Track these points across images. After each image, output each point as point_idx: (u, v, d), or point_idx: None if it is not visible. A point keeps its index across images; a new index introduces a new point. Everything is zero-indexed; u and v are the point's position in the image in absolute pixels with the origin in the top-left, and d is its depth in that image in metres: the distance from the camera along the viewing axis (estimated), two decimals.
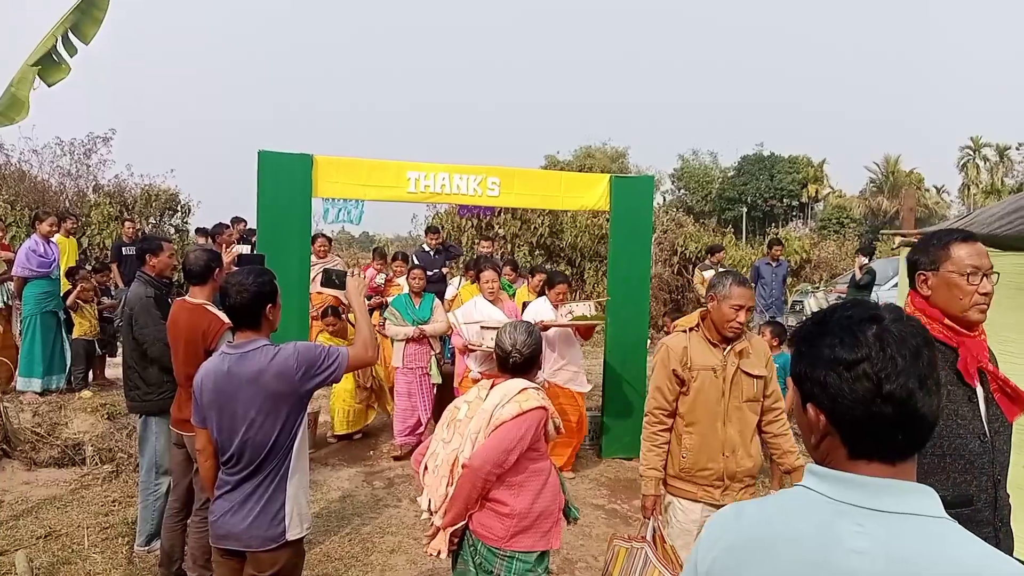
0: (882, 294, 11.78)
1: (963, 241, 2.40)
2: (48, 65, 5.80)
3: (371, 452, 6.97)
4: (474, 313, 6.09)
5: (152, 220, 16.85)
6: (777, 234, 20.72)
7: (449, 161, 6.72)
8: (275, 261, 5.33)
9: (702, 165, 51.53)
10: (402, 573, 4.53)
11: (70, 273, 8.54)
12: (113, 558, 4.59)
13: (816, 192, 49.82)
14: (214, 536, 2.89)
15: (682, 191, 51.04)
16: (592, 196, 7.01)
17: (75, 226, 10.21)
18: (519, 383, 2.97)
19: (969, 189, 50.41)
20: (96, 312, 8.46)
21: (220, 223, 10.12)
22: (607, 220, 7.26)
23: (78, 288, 8.18)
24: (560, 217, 16.43)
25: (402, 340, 6.82)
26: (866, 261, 11.38)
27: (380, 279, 8.85)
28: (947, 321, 2.36)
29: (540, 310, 6.11)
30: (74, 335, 8.20)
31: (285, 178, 6.18)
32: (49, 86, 5.85)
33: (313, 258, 8.25)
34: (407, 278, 7.32)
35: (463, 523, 2.90)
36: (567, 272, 14.98)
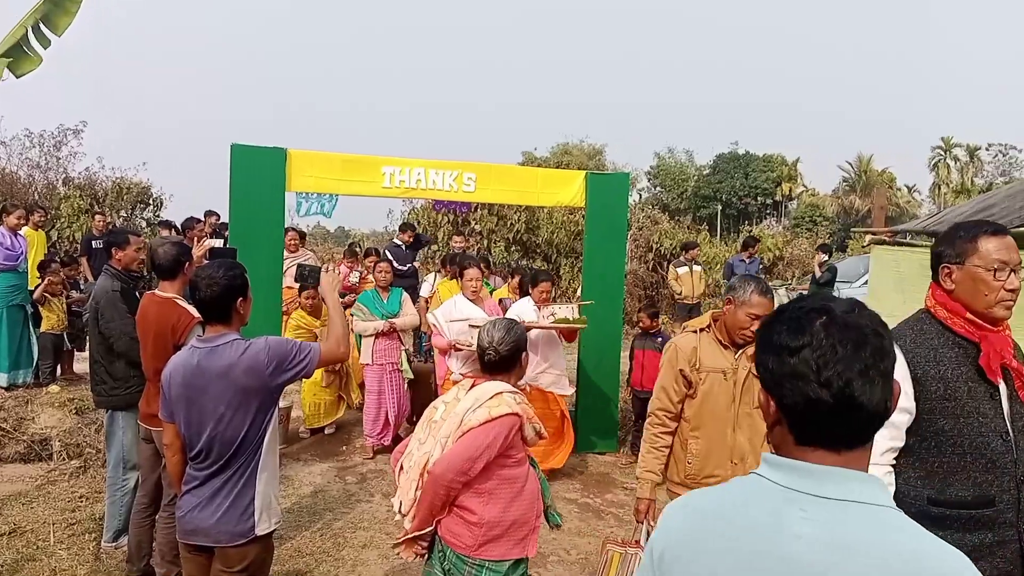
0: (852, 291, 11.95)
1: (992, 234, 2.28)
2: (18, 56, 5.70)
3: (344, 447, 6.94)
4: (454, 312, 5.97)
5: (123, 213, 16.63)
6: (751, 231, 20.88)
7: (427, 158, 6.70)
8: (247, 255, 5.28)
9: (678, 163, 51.83)
10: (374, 568, 4.51)
11: (41, 267, 8.41)
12: (79, 555, 4.52)
13: (790, 191, 50.35)
14: (181, 532, 2.86)
15: (658, 189, 51.32)
16: (568, 192, 7.03)
17: (43, 219, 10.04)
18: (494, 387, 2.83)
19: (940, 188, 51.18)
20: (65, 306, 8.34)
21: (191, 217, 10.02)
22: (583, 217, 7.27)
23: (45, 281, 8.06)
24: (536, 213, 16.44)
25: (371, 336, 6.70)
26: (826, 259, 11.58)
27: (354, 277, 8.79)
28: (969, 315, 2.28)
29: (522, 311, 5.94)
30: (42, 329, 8.07)
31: (258, 172, 6.12)
32: (17, 77, 5.76)
33: (284, 252, 8.20)
34: (374, 272, 7.23)
35: (431, 529, 2.80)
36: (543, 268, 15.00)
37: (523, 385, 5.43)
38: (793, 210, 49.25)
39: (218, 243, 5.79)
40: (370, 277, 8.46)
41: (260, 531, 2.81)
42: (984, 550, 2.20)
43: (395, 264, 8.66)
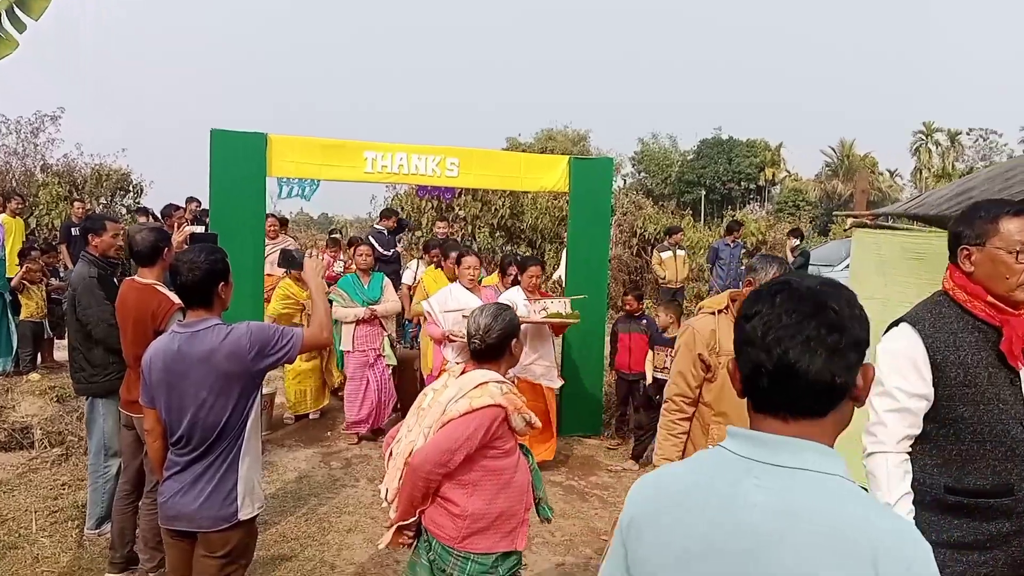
0: (835, 275, 12.03)
1: (1015, 215, 2.20)
2: None
3: (328, 433, 6.93)
4: (450, 301, 5.78)
5: (103, 200, 16.46)
6: (735, 216, 20.95)
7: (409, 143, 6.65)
8: (228, 241, 5.22)
9: (662, 149, 51.91)
10: (359, 552, 4.52)
11: (21, 254, 8.33)
12: (62, 542, 4.50)
13: (773, 175, 50.62)
14: (163, 517, 2.85)
15: (642, 174, 51.40)
16: (551, 177, 7.01)
17: (21, 206, 9.94)
18: (480, 376, 2.75)
19: (921, 173, 51.57)
20: (44, 294, 8.26)
21: (170, 204, 9.94)
22: (567, 202, 7.27)
23: (24, 269, 7.97)
24: (521, 199, 16.40)
25: (351, 322, 6.57)
26: (797, 243, 11.71)
27: (339, 266, 8.67)
28: (991, 299, 2.21)
29: (512, 301, 5.66)
30: (21, 317, 8.00)
31: (238, 157, 6.06)
32: None
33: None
34: (353, 255, 7.06)
35: (415, 519, 2.76)
36: (528, 254, 14.99)
37: (512, 376, 5.36)
38: (776, 195, 49.50)
39: (199, 229, 5.75)
40: (352, 266, 8.37)
41: (243, 516, 2.80)
42: (1001, 539, 2.18)
43: (379, 250, 8.61)
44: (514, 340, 2.87)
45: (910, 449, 2.26)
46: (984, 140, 51.94)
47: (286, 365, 6.76)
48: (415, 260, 8.82)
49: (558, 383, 6.14)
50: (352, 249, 8.75)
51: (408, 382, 6.90)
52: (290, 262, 3.56)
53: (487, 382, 2.72)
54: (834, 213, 19.37)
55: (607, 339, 7.25)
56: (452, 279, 6.34)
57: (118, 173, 16.71)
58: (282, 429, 7.00)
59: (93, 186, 16.16)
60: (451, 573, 2.69)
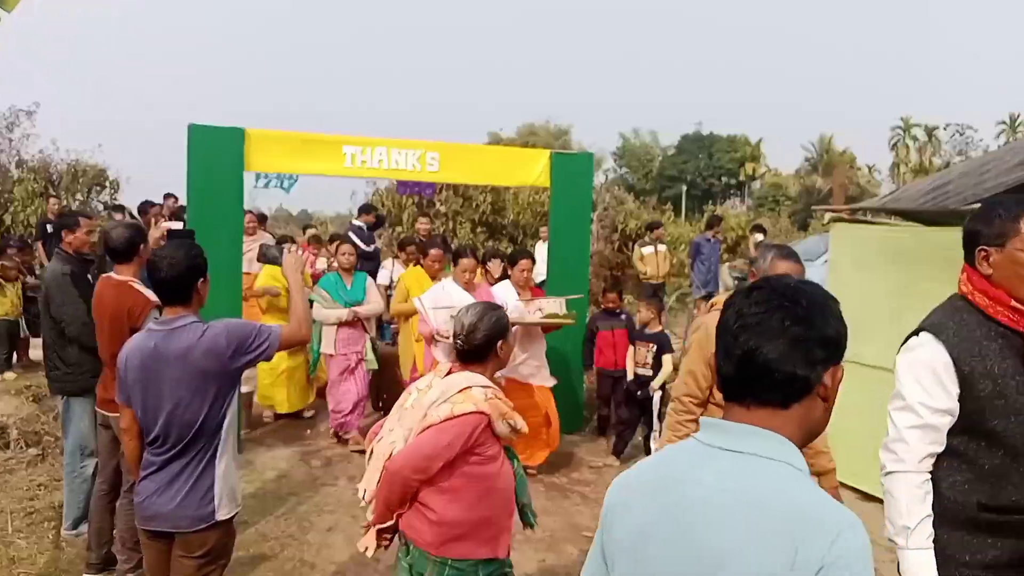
0: (814, 269, 12.12)
1: None
2: None
3: (308, 431, 6.89)
4: (441, 297, 5.44)
5: (79, 197, 16.28)
6: (715, 211, 21.06)
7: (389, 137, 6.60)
8: (206, 237, 5.17)
9: (643, 144, 52.08)
10: (339, 551, 4.50)
11: None
12: (39, 543, 4.45)
13: (753, 171, 50.92)
14: (140, 518, 2.81)
15: (624, 170, 51.56)
16: (532, 172, 7.00)
17: None
18: (464, 380, 2.65)
19: (899, 168, 52.10)
20: (20, 292, 8.15)
21: (146, 200, 9.85)
22: (549, 197, 7.26)
23: None
24: (502, 194, 16.38)
25: (333, 324, 6.34)
26: (761, 238, 11.89)
27: (321, 264, 8.52)
28: (1015, 303, 2.07)
29: (502, 298, 5.34)
30: None
31: (216, 152, 5.99)
32: None
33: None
34: (336, 254, 6.86)
35: (392, 522, 2.70)
36: (508, 250, 14.98)
37: (499, 378, 5.25)
38: (756, 190, 49.84)
39: (177, 225, 5.68)
40: (335, 263, 8.22)
41: (221, 516, 2.77)
42: None
43: (361, 246, 8.51)
44: (500, 342, 2.75)
45: (931, 468, 2.12)
46: (961, 135, 52.62)
47: (272, 363, 6.77)
48: (391, 259, 8.56)
49: (551, 382, 5.89)
50: (335, 247, 8.63)
51: (390, 380, 6.77)
52: (267, 259, 3.53)
53: (471, 387, 2.63)
54: (813, 208, 19.53)
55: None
56: (433, 277, 6.18)
57: (94, 169, 16.55)
58: (261, 428, 6.95)
59: (69, 182, 15.99)
60: None
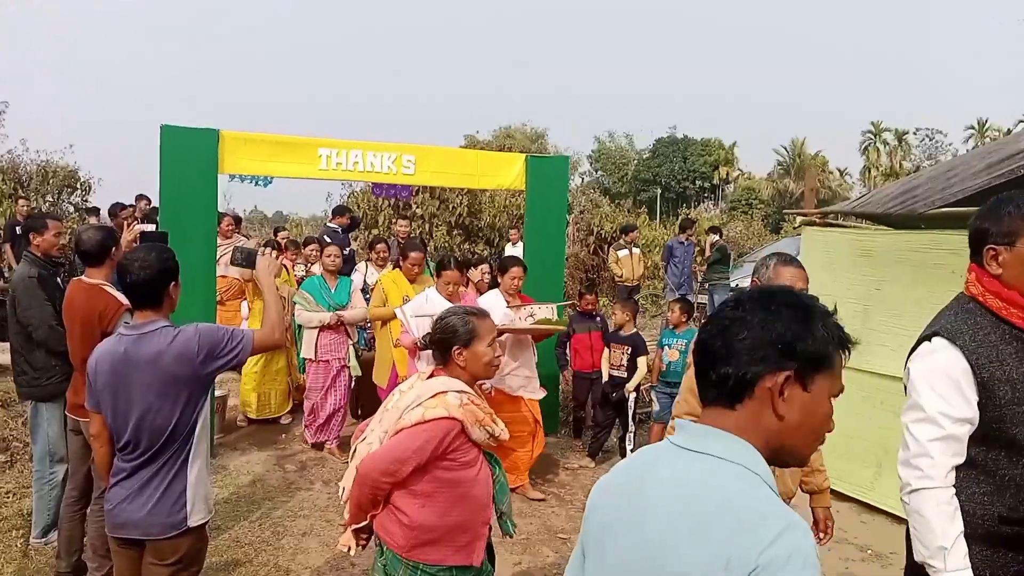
0: None
1: None
2: None
3: (283, 435, 6.83)
4: (425, 307, 5.10)
5: (49, 198, 16.03)
6: (688, 215, 21.22)
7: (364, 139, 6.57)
8: (180, 240, 5.14)
9: (618, 147, 52.34)
10: (314, 556, 4.47)
11: None
12: (6, 552, 4.37)
13: (727, 174, 51.38)
14: (111, 525, 2.77)
15: (599, 173, 51.77)
16: (507, 175, 7.01)
17: None
18: (439, 384, 2.67)
19: (870, 172, 52.85)
20: None
21: (117, 203, 9.73)
22: (525, 200, 7.28)
23: None
24: (479, 197, 16.38)
25: (315, 328, 6.24)
26: (716, 239, 12.22)
27: (300, 270, 8.41)
28: None
29: (492, 307, 5.05)
30: None
31: (189, 154, 5.92)
32: None
33: (220, 239, 7.96)
34: (322, 258, 6.78)
35: (366, 523, 2.71)
36: (484, 253, 14.99)
37: (488, 388, 5.01)
38: (730, 193, 50.26)
39: (150, 228, 5.62)
40: (313, 269, 7.99)
41: (193, 522, 2.74)
42: None
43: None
44: (456, 348, 2.73)
45: (955, 481, 2.00)
46: (930, 140, 53.52)
47: (252, 367, 6.73)
48: (364, 263, 8.38)
49: (540, 394, 5.64)
50: (308, 249, 8.55)
51: (369, 386, 6.54)
52: (240, 262, 3.50)
53: (446, 391, 2.64)
54: (784, 211, 19.73)
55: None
56: (412, 280, 6.05)
57: (65, 170, 16.29)
58: (235, 432, 6.88)
59: (39, 183, 15.74)
60: None
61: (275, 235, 11.34)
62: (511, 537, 2.95)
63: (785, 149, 55.38)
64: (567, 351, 6.87)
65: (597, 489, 1.42)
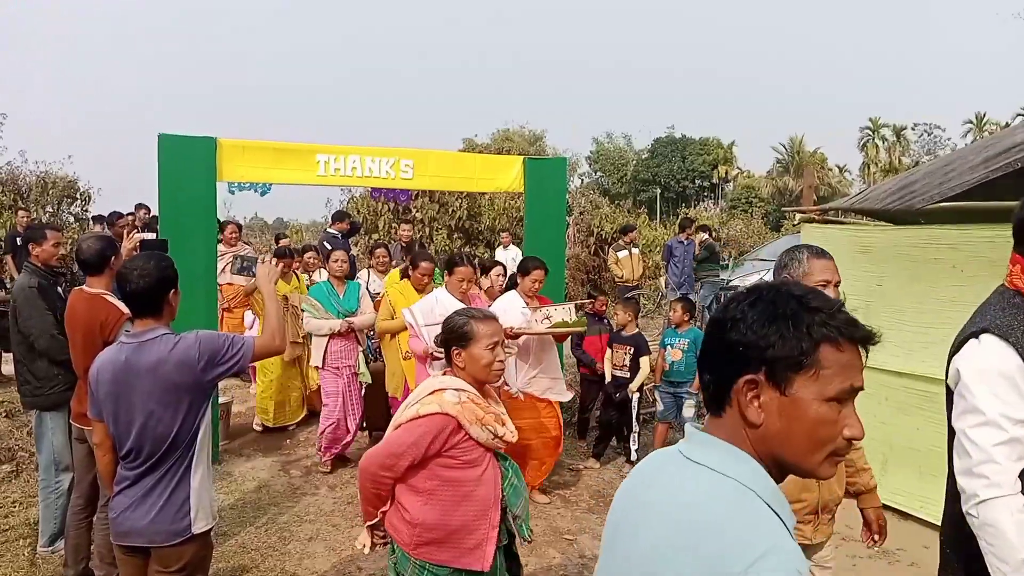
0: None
1: None
2: None
3: (288, 441, 6.85)
4: (436, 310, 4.86)
5: (49, 209, 16.08)
6: (688, 214, 21.24)
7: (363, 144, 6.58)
8: (180, 248, 5.15)
9: (617, 148, 52.36)
10: (320, 561, 4.48)
11: None
12: (14, 561, 4.38)
13: (726, 173, 51.36)
14: (115, 533, 2.78)
15: (599, 174, 51.79)
16: (506, 178, 7.02)
17: None
18: (436, 383, 2.72)
19: (869, 168, 52.82)
20: None
21: (115, 212, 9.77)
22: (524, 202, 7.29)
23: None
24: (478, 200, 16.40)
25: (324, 335, 6.03)
26: (705, 237, 12.29)
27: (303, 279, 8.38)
28: None
29: (508, 309, 5.03)
30: None
31: (188, 162, 5.93)
32: None
33: (223, 247, 7.98)
34: (328, 263, 6.59)
35: (378, 519, 2.74)
36: (483, 255, 14.99)
37: (516, 393, 5.06)
38: (729, 192, 50.26)
39: (150, 236, 5.64)
40: (315, 278, 7.96)
41: (197, 529, 2.75)
42: None
43: None
44: (455, 349, 2.76)
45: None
46: (929, 135, 53.49)
47: (267, 375, 6.75)
48: (366, 270, 8.11)
49: (567, 396, 5.51)
50: (307, 256, 8.52)
51: (379, 396, 6.25)
52: (241, 269, 3.52)
53: (443, 389, 2.68)
54: (783, 209, 19.73)
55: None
56: (420, 290, 5.78)
57: (64, 181, 16.35)
58: (240, 438, 6.90)
59: (39, 194, 15.79)
60: None
61: (277, 242, 11.36)
62: (528, 542, 2.95)
63: (784, 147, 55.39)
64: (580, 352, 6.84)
65: (620, 488, 1.43)
